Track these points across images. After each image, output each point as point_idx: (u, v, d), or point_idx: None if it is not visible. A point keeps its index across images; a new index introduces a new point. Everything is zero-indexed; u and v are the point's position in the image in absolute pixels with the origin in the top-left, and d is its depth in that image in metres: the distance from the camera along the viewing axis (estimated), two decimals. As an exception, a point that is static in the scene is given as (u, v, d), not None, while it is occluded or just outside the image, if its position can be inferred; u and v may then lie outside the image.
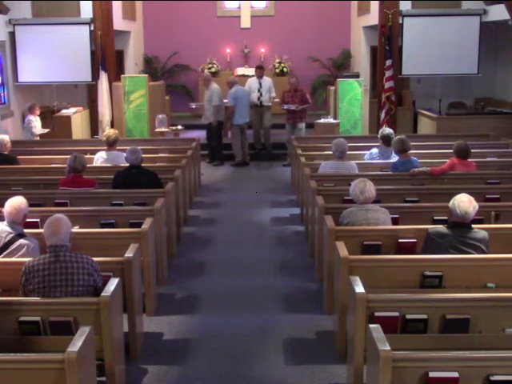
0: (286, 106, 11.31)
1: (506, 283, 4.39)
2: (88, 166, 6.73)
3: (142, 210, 5.93)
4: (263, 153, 12.22)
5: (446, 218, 4.76)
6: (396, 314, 3.81)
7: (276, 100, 11.98)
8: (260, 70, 12.02)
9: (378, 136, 7.78)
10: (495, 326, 3.81)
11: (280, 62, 15.83)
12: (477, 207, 4.57)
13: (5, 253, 4.57)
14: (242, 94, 11.42)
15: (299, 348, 4.75)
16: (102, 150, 7.95)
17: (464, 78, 13.54)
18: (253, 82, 12.00)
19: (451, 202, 4.59)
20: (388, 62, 11.93)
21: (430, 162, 7.31)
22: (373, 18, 13.24)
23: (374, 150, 7.75)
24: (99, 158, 7.79)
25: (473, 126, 11.09)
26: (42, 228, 4.38)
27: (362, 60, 14.82)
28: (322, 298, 5.54)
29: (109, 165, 7.64)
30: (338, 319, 4.58)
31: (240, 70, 15.79)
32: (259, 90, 11.94)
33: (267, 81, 12.03)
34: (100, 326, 3.87)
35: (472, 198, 4.58)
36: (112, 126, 11.64)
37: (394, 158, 7.33)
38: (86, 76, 12.58)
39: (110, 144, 7.76)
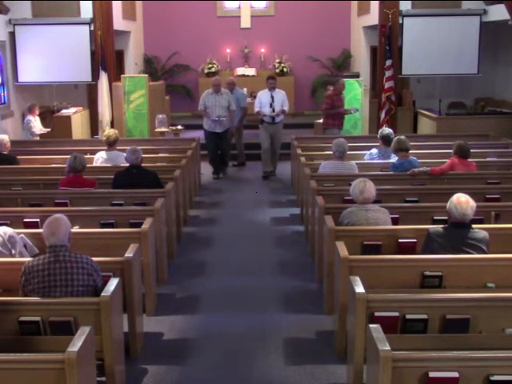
0: (353, 111, 10.40)
1: (506, 283, 4.39)
2: (88, 166, 6.73)
3: (142, 210, 5.93)
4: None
5: (446, 217, 4.76)
6: (396, 313, 3.81)
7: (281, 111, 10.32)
8: (272, 81, 10.31)
9: (378, 136, 7.78)
10: (495, 326, 3.81)
11: (280, 62, 15.83)
12: (475, 206, 4.55)
13: None
14: None
15: (299, 348, 4.75)
16: (102, 150, 7.95)
17: (464, 78, 13.55)
18: (263, 96, 10.34)
19: (448, 203, 4.58)
20: (388, 62, 11.93)
21: (430, 162, 7.31)
22: (373, 17, 13.24)
23: (374, 151, 7.75)
24: (99, 158, 7.79)
25: (473, 126, 11.10)
26: (41, 228, 4.38)
27: (362, 60, 14.83)
28: (321, 298, 5.55)
29: (109, 165, 7.64)
30: (338, 319, 4.58)
31: (240, 70, 15.82)
32: (271, 105, 10.27)
33: (280, 94, 10.38)
34: (100, 325, 3.86)
35: (469, 198, 4.56)
36: (112, 125, 11.64)
37: (394, 158, 7.33)
38: (86, 76, 12.58)
39: (110, 144, 7.76)
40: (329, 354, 4.63)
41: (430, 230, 4.68)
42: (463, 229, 4.55)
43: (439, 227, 4.68)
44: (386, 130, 7.80)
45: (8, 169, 7.68)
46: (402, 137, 7.18)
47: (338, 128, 10.34)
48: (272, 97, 10.28)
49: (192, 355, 4.66)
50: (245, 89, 13.91)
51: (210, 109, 10.28)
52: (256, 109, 10.43)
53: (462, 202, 4.50)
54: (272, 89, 10.29)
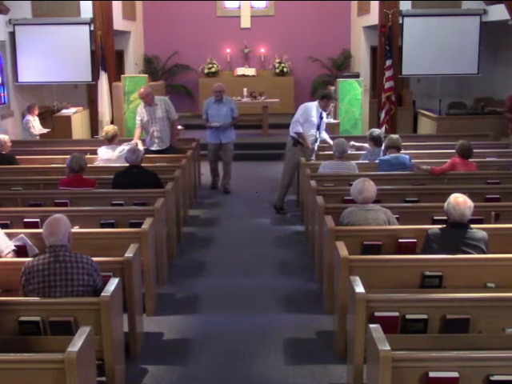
0: None
1: (506, 283, 4.39)
2: (89, 165, 6.73)
3: (142, 210, 5.93)
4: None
5: (445, 218, 4.76)
6: (396, 313, 3.81)
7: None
8: (333, 100, 8.20)
9: (368, 137, 7.71)
10: (495, 325, 3.81)
11: (280, 62, 15.84)
12: (472, 206, 4.54)
13: None
14: None
15: (299, 348, 4.75)
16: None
17: (464, 77, 13.55)
18: (314, 111, 7.90)
19: (446, 205, 4.57)
20: (388, 62, 11.95)
21: (430, 162, 7.31)
22: (373, 18, 13.25)
23: (364, 154, 7.78)
24: (100, 153, 7.85)
25: (473, 126, 11.09)
26: (41, 228, 4.38)
27: (362, 60, 14.83)
28: (321, 298, 5.55)
29: (109, 156, 7.72)
30: (338, 319, 4.58)
31: (240, 70, 15.83)
32: (319, 127, 7.95)
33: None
34: (100, 326, 3.86)
35: (466, 198, 4.56)
36: (112, 125, 11.64)
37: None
38: (86, 76, 12.59)
39: (109, 139, 7.82)
40: (329, 354, 4.63)
41: (429, 232, 4.67)
42: (462, 229, 4.55)
43: (438, 228, 4.68)
44: (376, 130, 7.82)
45: (8, 169, 7.68)
46: (395, 135, 7.25)
47: None
48: (321, 118, 7.95)
49: (192, 355, 4.66)
50: (245, 89, 13.94)
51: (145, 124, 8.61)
52: (298, 128, 7.82)
53: (460, 202, 4.50)
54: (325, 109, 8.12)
